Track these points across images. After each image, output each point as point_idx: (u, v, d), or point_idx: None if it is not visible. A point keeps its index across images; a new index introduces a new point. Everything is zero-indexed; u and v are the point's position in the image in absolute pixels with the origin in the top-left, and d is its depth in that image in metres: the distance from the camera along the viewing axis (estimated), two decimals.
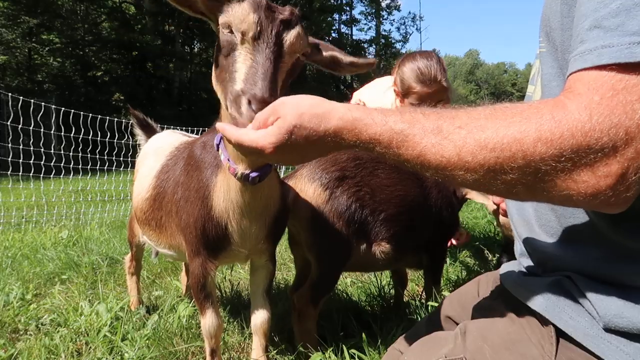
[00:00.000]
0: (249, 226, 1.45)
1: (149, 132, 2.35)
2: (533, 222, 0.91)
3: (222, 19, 1.12)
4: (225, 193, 1.39)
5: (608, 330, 0.70)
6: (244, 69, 1.05)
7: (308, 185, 1.70)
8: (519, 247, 0.99)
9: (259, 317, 1.65)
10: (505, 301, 0.93)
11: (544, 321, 0.80)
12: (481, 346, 0.84)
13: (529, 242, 0.92)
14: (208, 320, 1.56)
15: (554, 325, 0.77)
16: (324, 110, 0.77)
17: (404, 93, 2.37)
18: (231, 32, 1.10)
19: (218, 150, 1.37)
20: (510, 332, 0.85)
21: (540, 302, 0.81)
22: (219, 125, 0.92)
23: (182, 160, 1.68)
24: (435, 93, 2.31)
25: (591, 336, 0.72)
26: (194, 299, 1.62)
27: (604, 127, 0.58)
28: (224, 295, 2.52)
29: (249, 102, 0.99)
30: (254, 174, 1.31)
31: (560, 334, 0.77)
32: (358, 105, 0.80)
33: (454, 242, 2.50)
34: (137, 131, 2.26)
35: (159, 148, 1.98)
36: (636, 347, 0.68)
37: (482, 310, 0.98)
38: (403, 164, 0.73)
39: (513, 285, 0.92)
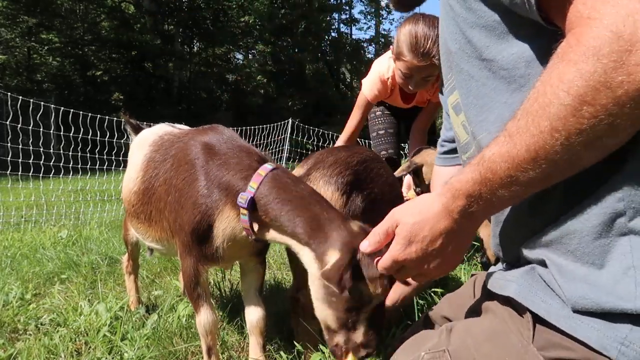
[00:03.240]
0: (241, 250, 1.54)
1: None
2: (505, 218, 0.94)
3: None
4: (227, 226, 1.44)
5: (576, 311, 0.74)
6: None
7: (325, 188, 1.68)
8: (495, 245, 1.02)
9: (254, 316, 1.65)
10: (491, 299, 0.96)
11: (521, 309, 0.83)
12: (464, 339, 0.88)
13: (504, 239, 0.96)
14: (203, 317, 1.56)
15: (531, 312, 0.80)
16: (428, 198, 0.85)
17: (396, 56, 2.29)
18: None
19: (245, 209, 1.36)
20: (493, 325, 0.88)
21: (514, 288, 0.84)
22: (362, 247, 0.98)
23: (172, 158, 1.65)
24: (424, 68, 2.22)
25: (563, 317, 0.75)
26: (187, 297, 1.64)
27: (620, 19, 0.58)
28: (224, 295, 2.52)
29: None
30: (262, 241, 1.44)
31: (537, 320, 0.80)
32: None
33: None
34: (133, 137, 2.25)
35: (142, 140, 1.97)
36: (604, 323, 0.71)
37: (472, 312, 1.01)
38: (518, 180, 0.73)
39: (492, 281, 0.96)
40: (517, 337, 0.81)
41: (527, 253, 0.86)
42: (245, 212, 1.36)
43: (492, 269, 1.04)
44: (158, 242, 1.81)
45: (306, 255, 1.29)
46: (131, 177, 1.85)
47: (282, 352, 1.73)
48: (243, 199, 1.36)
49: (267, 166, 1.41)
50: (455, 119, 1.01)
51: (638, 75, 0.58)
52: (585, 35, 0.61)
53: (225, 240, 1.46)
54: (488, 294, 1.00)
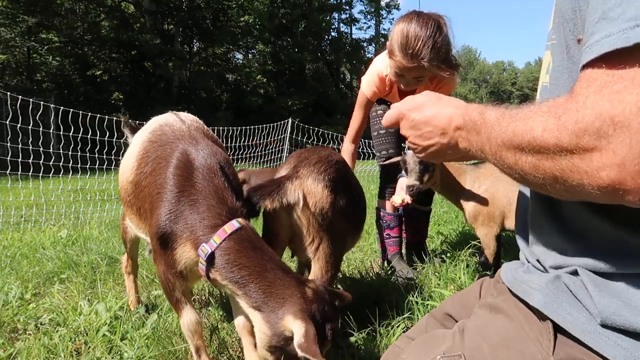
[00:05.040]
0: (198, 278, 1.58)
1: None
2: (538, 218, 0.91)
3: None
4: (187, 259, 1.49)
5: (604, 326, 0.72)
6: None
7: (314, 185, 1.74)
8: (522, 244, 0.99)
9: (241, 318, 1.67)
10: (506, 299, 0.93)
11: (541, 317, 0.81)
12: (479, 344, 0.85)
13: (533, 238, 0.93)
14: (185, 319, 1.57)
15: (552, 321, 0.78)
16: (447, 111, 0.93)
17: (389, 53, 2.27)
18: None
19: (204, 261, 1.42)
20: (509, 329, 0.85)
21: (538, 298, 0.82)
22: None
23: (156, 163, 1.63)
24: (413, 69, 2.18)
25: (589, 332, 0.73)
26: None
27: (590, 119, 0.61)
28: (223, 294, 2.52)
29: None
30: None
31: (557, 329, 0.78)
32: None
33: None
34: (130, 139, 2.22)
35: (146, 126, 1.95)
36: (632, 342, 0.69)
37: (482, 308, 0.98)
38: (484, 152, 0.82)
39: (513, 282, 0.93)
40: (536, 347, 0.79)
41: (556, 259, 0.84)
42: (204, 262, 1.41)
43: (509, 264, 1.02)
44: (148, 236, 1.80)
45: (256, 319, 1.38)
46: (128, 165, 1.82)
47: None
48: (204, 251, 1.41)
49: (235, 224, 1.44)
50: (543, 76, 0.98)
51: (580, 175, 0.63)
52: (569, 113, 0.65)
53: (187, 269, 1.52)
54: (500, 292, 0.98)
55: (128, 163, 1.83)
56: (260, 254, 1.43)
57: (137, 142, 1.84)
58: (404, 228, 3.10)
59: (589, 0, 0.71)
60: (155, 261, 1.59)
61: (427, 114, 0.95)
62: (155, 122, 1.89)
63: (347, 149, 2.73)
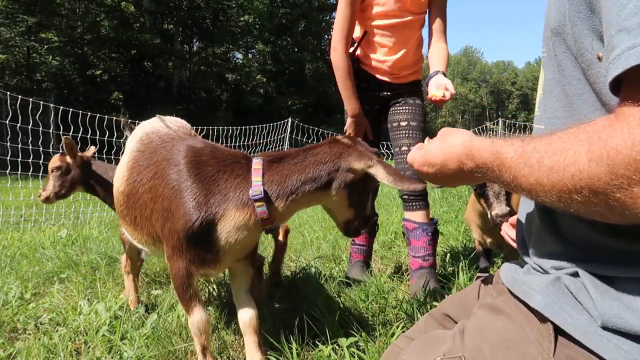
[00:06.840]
0: (238, 251, 1.58)
1: None
2: (539, 220, 0.91)
3: None
4: (231, 227, 1.49)
5: (606, 328, 0.71)
6: None
7: None
8: (522, 246, 0.99)
9: (246, 316, 1.66)
10: (506, 300, 0.93)
11: (542, 318, 0.80)
12: (480, 345, 0.85)
13: (534, 241, 0.93)
14: (196, 317, 1.56)
15: (553, 323, 0.78)
16: (458, 140, 0.89)
17: None
18: None
19: (260, 200, 1.46)
20: (509, 331, 0.85)
21: (539, 300, 0.81)
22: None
23: (156, 166, 1.64)
24: None
25: (590, 334, 0.72)
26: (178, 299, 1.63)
27: None
28: (224, 294, 2.52)
29: None
30: (276, 229, 1.61)
31: (558, 331, 0.77)
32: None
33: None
34: None
35: (134, 133, 1.95)
36: (634, 345, 0.69)
37: (482, 309, 0.98)
38: (512, 190, 0.78)
39: (513, 283, 0.93)
40: (537, 348, 0.79)
41: (557, 263, 0.84)
42: (261, 203, 1.45)
43: (509, 265, 1.02)
44: (145, 245, 1.81)
45: (331, 194, 1.52)
46: (119, 175, 1.83)
47: (277, 352, 1.73)
48: (256, 191, 1.45)
49: (257, 160, 1.52)
50: (539, 88, 0.96)
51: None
52: (619, 136, 0.59)
53: (228, 242, 1.50)
54: (500, 292, 0.98)
55: (118, 173, 1.85)
56: (290, 157, 1.54)
57: (126, 151, 1.86)
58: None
59: (602, 13, 0.69)
60: (170, 259, 1.56)
61: (436, 162, 0.93)
62: (142, 131, 1.90)
63: (344, 60, 2.52)
